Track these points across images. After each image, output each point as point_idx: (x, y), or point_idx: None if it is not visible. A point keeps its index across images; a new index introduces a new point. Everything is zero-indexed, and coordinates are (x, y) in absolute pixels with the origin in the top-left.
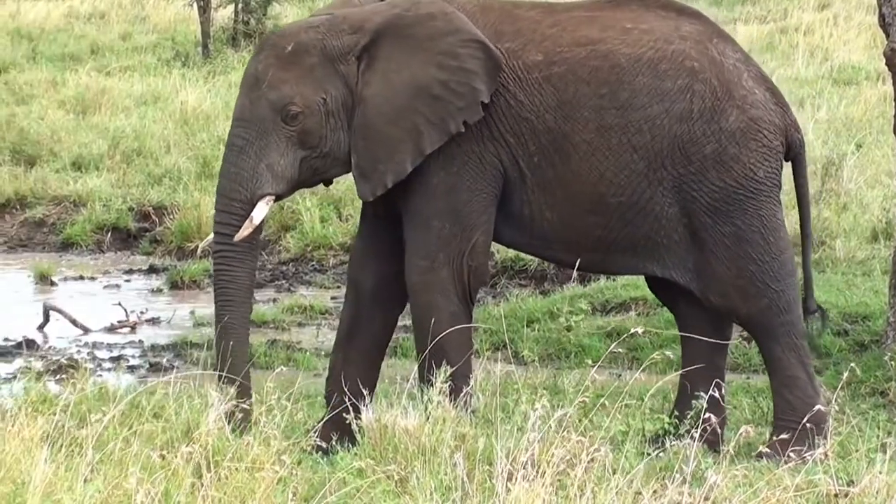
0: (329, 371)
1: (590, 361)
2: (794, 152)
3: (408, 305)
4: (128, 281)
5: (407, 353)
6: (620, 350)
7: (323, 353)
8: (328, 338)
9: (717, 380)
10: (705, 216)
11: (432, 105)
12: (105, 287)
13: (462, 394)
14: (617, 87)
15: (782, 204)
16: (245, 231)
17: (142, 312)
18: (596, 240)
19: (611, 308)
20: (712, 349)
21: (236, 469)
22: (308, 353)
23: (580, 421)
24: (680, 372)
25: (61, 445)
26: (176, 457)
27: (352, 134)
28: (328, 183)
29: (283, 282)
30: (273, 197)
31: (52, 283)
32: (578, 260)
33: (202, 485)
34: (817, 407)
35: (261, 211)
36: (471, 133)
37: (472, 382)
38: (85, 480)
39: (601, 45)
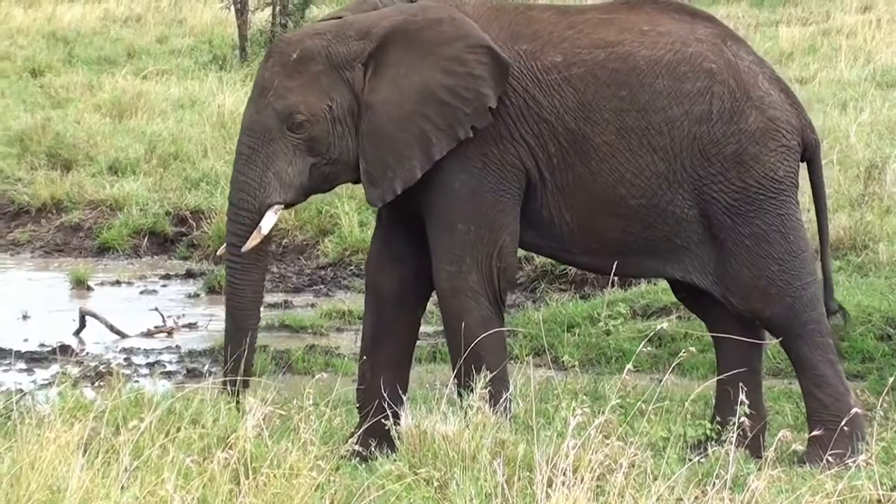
0: (359, 379)
1: (630, 366)
2: (809, 153)
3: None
4: (165, 286)
5: (445, 357)
6: (660, 353)
7: None
8: None
9: (756, 383)
10: (725, 217)
11: (440, 111)
12: (142, 292)
13: (501, 398)
14: (637, 90)
15: (799, 203)
16: (253, 241)
17: (179, 317)
18: (614, 242)
19: (651, 312)
20: (747, 352)
21: (274, 475)
22: (347, 359)
23: (620, 426)
24: (718, 377)
25: (98, 452)
26: (213, 463)
27: (360, 140)
28: (331, 189)
29: (322, 286)
30: (281, 206)
31: (89, 288)
32: (594, 261)
33: (240, 491)
34: (854, 410)
35: (269, 220)
36: (490, 135)
37: (510, 385)
38: (122, 487)
39: (620, 47)
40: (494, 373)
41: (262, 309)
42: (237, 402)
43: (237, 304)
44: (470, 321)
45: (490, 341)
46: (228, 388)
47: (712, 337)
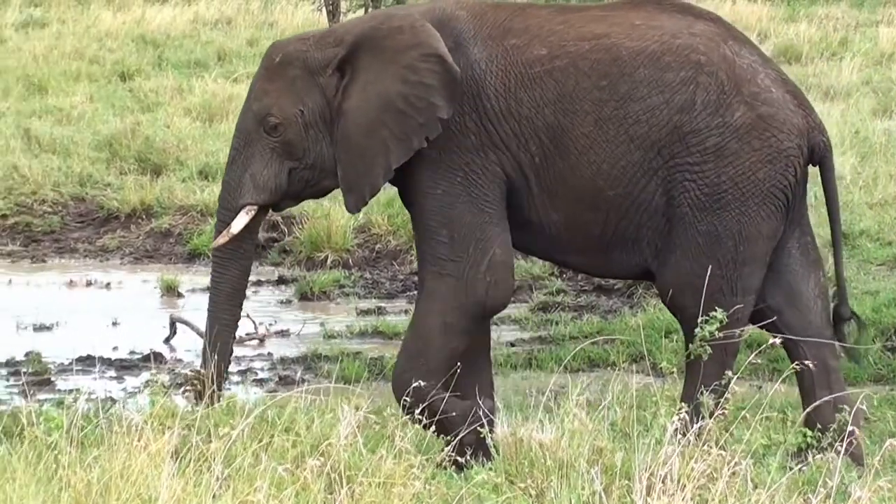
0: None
1: (729, 373)
2: (818, 155)
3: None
4: (256, 292)
5: (542, 364)
6: (760, 361)
7: None
8: None
9: (834, 382)
10: (687, 208)
11: (398, 119)
12: None
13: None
14: (617, 80)
15: (782, 213)
16: (221, 240)
17: (270, 324)
18: (598, 238)
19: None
20: (817, 352)
21: (369, 484)
22: None
23: (720, 434)
24: (799, 385)
25: (189, 460)
26: (306, 471)
27: (335, 146)
28: (323, 194)
29: (415, 293)
30: (254, 207)
31: (179, 295)
32: (584, 261)
33: (334, 500)
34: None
35: (240, 221)
36: (471, 142)
37: (440, 389)
38: (213, 496)
39: (605, 39)
40: (431, 367)
41: (349, 314)
42: (212, 399)
43: (213, 300)
44: (430, 323)
45: (441, 344)
46: (202, 384)
47: (781, 340)
